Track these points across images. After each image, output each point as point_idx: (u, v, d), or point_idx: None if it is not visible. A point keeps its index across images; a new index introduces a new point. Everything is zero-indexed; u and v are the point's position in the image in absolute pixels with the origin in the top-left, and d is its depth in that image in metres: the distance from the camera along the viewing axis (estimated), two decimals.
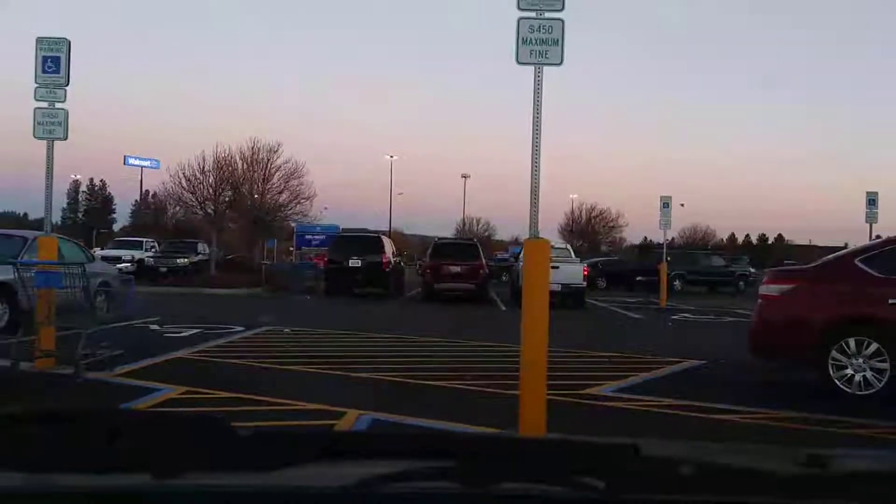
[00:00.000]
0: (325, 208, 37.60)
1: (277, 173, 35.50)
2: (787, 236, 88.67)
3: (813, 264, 8.28)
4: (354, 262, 23.52)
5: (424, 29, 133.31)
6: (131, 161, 59.03)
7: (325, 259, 24.96)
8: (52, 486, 1.03)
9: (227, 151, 34.30)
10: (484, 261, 24.04)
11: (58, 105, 8.33)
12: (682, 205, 34.58)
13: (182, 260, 33.07)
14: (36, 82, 8.27)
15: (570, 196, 72.29)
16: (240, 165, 34.72)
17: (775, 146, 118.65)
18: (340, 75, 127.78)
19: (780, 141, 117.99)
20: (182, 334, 11.64)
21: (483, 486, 1.02)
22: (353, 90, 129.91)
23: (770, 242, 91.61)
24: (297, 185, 35.77)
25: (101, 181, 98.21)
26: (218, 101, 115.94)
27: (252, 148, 35.19)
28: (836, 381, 7.39)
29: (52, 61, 8.23)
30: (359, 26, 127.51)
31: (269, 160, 35.40)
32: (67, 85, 8.31)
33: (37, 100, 8.31)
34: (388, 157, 66.82)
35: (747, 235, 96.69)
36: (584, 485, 1.04)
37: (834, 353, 7.40)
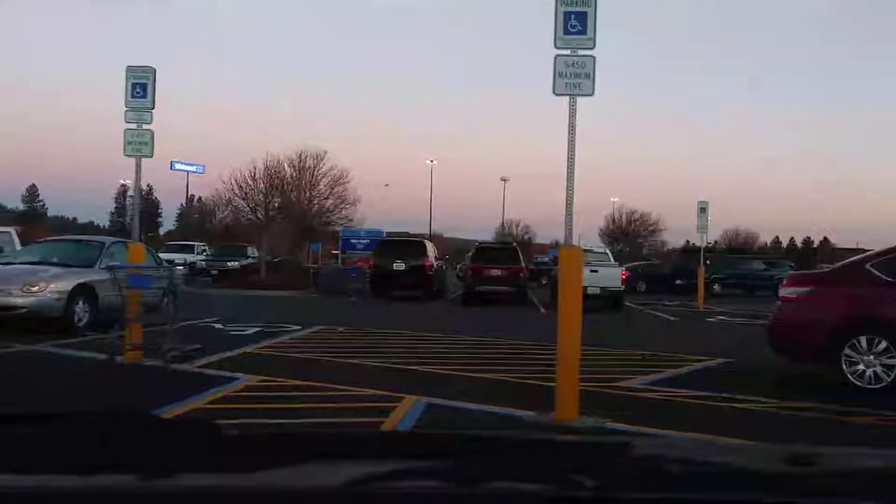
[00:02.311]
0: (365, 218, 38.77)
1: (323, 179, 36.85)
2: (835, 239, 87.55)
3: (828, 268, 8.94)
4: (399, 266, 24.46)
5: (464, 31, 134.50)
6: (178, 166, 60.82)
7: (371, 262, 25.92)
8: (38, 486, 1.02)
9: (276, 159, 35.75)
10: (523, 264, 24.79)
11: (144, 126, 9.37)
12: None
13: (232, 263, 34.41)
14: (126, 106, 9.31)
15: (612, 199, 72.65)
16: (288, 172, 36.11)
17: (822, 147, 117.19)
18: (380, 79, 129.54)
19: (827, 141, 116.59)
20: (246, 332, 12.64)
21: (472, 485, 1.02)
22: (393, 93, 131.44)
23: (815, 245, 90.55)
24: (342, 191, 37.09)
25: (147, 186, 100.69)
26: (263, 109, 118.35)
27: (300, 155, 36.57)
28: (848, 375, 8.06)
29: (141, 87, 9.28)
30: (398, 30, 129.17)
31: (315, 167, 36.75)
32: (153, 108, 9.35)
33: (126, 122, 9.36)
34: (429, 161, 67.98)
35: (792, 238, 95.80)
36: (574, 483, 1.04)
37: (847, 351, 8.08)
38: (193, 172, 61.02)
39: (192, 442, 1.23)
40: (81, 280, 12.35)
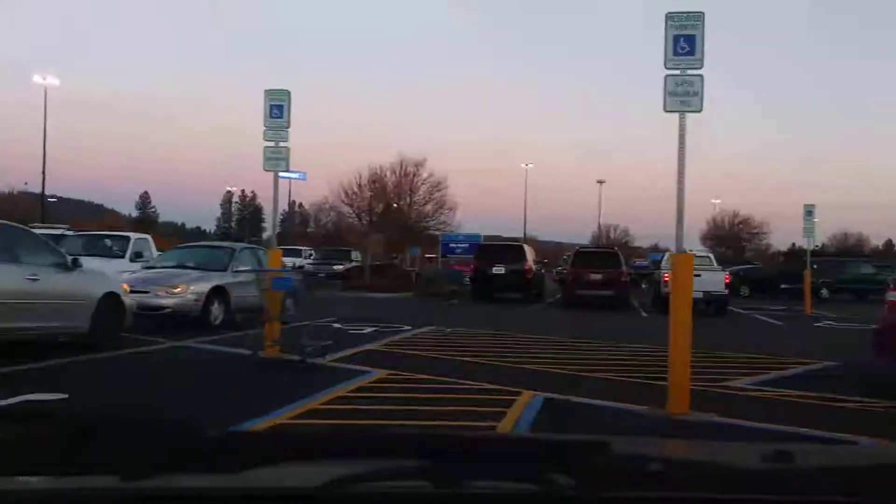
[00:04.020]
0: (461, 223, 39.74)
1: (423, 186, 38.02)
2: None
3: None
4: (498, 269, 25.11)
5: (560, 34, 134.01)
6: (281, 174, 63.11)
7: (472, 266, 26.65)
8: (24, 487, 1.02)
9: (379, 167, 37.20)
10: (625, 268, 24.94)
11: (281, 144, 10.34)
12: None
13: (338, 266, 35.98)
14: (265, 125, 10.31)
15: (713, 201, 71.11)
16: (390, 179, 37.45)
17: None
18: (475, 83, 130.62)
19: None
20: (363, 331, 13.52)
21: (454, 484, 1.03)
22: (489, 98, 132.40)
23: None
24: (441, 196, 38.16)
25: (251, 192, 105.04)
26: (361, 117, 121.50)
27: (401, 163, 37.89)
28: None
29: (278, 108, 10.25)
30: (495, 34, 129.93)
31: (415, 174, 37.96)
32: (289, 127, 10.31)
33: (265, 140, 10.36)
34: (524, 165, 68.24)
35: None
36: (555, 482, 1.04)
37: None
38: (295, 179, 63.34)
39: (176, 443, 1.24)
40: (217, 283, 13.55)
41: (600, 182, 74.45)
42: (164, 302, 12.89)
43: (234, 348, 10.65)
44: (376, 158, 52.74)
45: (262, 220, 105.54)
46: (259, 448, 1.26)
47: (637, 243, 77.94)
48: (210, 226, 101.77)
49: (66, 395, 6.69)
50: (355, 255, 38.56)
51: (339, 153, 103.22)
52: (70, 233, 20.19)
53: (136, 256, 16.82)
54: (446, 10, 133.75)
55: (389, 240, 40.72)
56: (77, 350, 9.44)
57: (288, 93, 10.33)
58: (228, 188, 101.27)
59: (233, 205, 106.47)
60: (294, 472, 1.11)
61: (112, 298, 10.36)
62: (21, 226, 10.52)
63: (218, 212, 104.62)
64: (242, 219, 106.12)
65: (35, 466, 1.09)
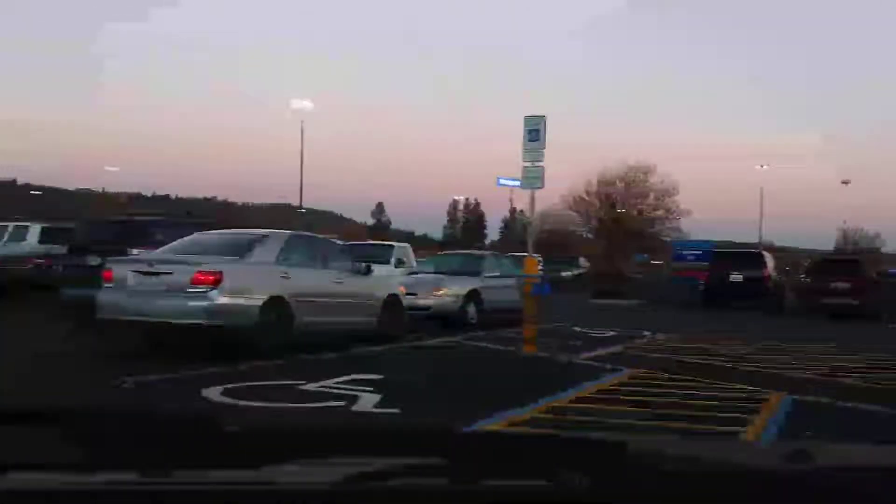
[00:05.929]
0: (689, 231, 39.04)
1: (652, 193, 38.04)
2: None
3: None
4: (735, 277, 24.77)
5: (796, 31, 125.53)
6: (502, 181, 65.40)
7: (706, 273, 26.44)
8: (37, 484, 1.02)
9: (608, 175, 37.87)
10: (870, 276, 23.63)
11: (537, 164, 11.59)
12: None
13: (566, 273, 37.03)
14: (524, 148, 11.61)
15: None
16: (619, 186, 37.92)
17: None
18: (706, 85, 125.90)
19: None
20: (605, 335, 14.38)
21: (468, 482, 1.03)
22: (720, 99, 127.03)
23: None
24: (671, 203, 37.97)
25: (475, 200, 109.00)
26: (591, 124, 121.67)
27: (629, 170, 38.24)
28: None
29: (534, 132, 11.50)
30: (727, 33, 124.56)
31: (644, 180, 38.10)
32: (544, 149, 11.52)
33: (523, 161, 11.67)
34: (759, 166, 65.01)
35: None
36: (570, 482, 1.04)
37: None
38: (518, 187, 65.32)
39: (191, 438, 1.25)
40: (472, 286, 15.16)
41: (845, 182, 68.93)
42: (428, 303, 14.63)
43: (493, 345, 12.05)
44: (607, 163, 53.36)
45: (484, 227, 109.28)
46: (277, 444, 1.26)
47: (887, 249, 71.21)
48: (436, 232, 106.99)
49: (381, 376, 8.30)
50: (582, 261, 39.40)
51: (567, 158, 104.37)
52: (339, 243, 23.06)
53: (399, 263, 19.07)
54: (676, 12, 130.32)
55: (617, 246, 41.10)
56: (367, 342, 11.20)
57: (544, 118, 11.54)
58: (454, 197, 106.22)
59: (458, 212, 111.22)
60: (309, 469, 1.09)
61: (394, 299, 12.19)
62: (330, 238, 12.70)
63: (443, 219, 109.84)
64: (466, 226, 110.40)
65: (53, 463, 1.10)
